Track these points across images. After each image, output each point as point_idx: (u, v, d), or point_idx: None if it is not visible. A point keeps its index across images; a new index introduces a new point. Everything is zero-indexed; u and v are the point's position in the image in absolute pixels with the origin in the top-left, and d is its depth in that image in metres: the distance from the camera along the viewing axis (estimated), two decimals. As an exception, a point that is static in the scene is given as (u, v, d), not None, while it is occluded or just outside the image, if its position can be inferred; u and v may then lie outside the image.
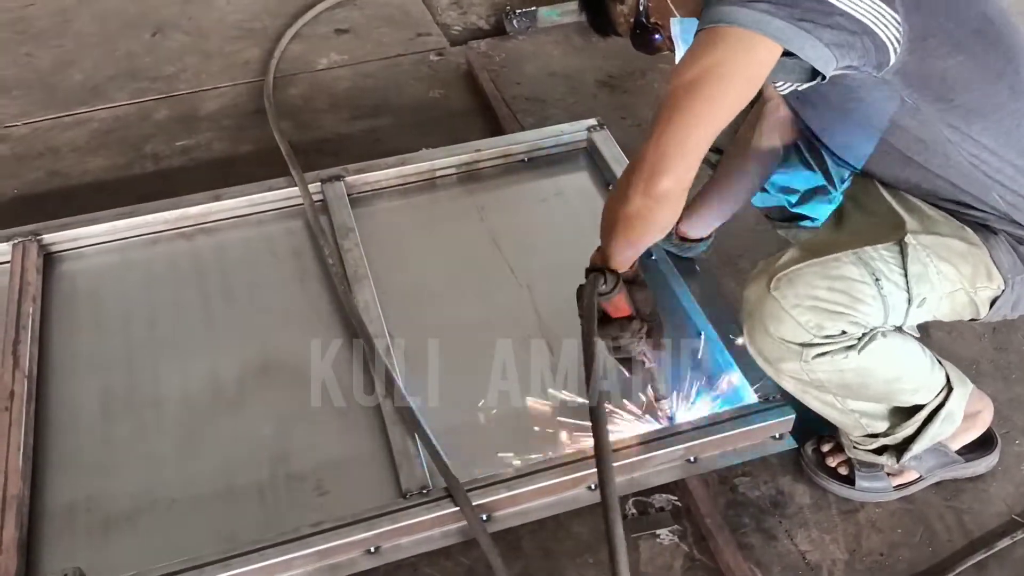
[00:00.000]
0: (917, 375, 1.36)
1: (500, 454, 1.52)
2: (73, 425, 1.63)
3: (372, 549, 1.42)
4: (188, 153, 2.34)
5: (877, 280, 1.26)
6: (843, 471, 1.53)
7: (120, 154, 2.33)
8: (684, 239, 1.79)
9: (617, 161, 2.05)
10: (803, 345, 1.28)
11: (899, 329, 1.34)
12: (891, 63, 1.20)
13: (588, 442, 1.49)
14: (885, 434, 1.42)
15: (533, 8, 2.76)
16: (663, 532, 1.47)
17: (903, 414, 1.40)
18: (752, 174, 1.65)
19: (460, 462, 1.50)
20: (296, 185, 2.02)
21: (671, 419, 1.56)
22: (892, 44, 1.18)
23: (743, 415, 1.54)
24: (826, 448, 1.56)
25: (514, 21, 2.74)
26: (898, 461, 1.44)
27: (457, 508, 1.41)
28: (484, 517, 1.45)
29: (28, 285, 1.82)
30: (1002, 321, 1.48)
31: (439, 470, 1.47)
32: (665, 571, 1.42)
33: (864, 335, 1.28)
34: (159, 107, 2.50)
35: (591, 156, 2.16)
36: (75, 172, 2.28)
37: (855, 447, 1.47)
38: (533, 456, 1.51)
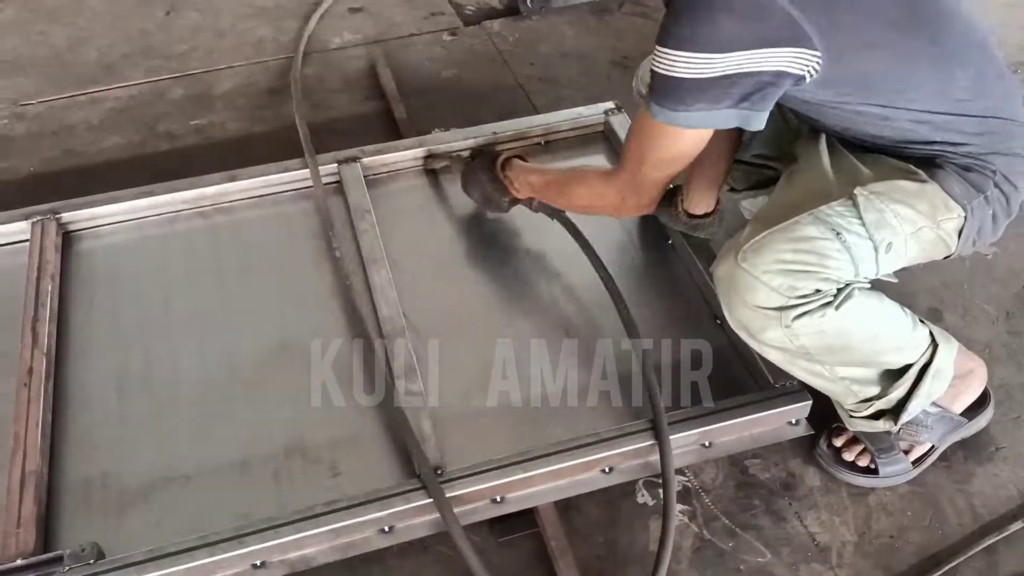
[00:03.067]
0: (899, 333, 1.39)
1: (512, 436, 1.54)
2: (90, 402, 1.65)
3: (386, 528, 1.44)
4: (203, 132, 2.34)
5: (838, 234, 1.31)
6: (862, 462, 1.54)
7: (135, 132, 2.34)
8: (691, 216, 1.79)
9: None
10: (780, 309, 1.31)
11: (874, 286, 1.37)
12: (807, 82, 1.26)
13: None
14: (878, 397, 1.43)
15: (548, -12, 2.75)
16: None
17: (893, 376, 1.42)
18: (726, 135, 1.67)
19: (474, 444, 1.52)
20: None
21: None
22: (810, 73, 1.24)
23: (759, 401, 1.55)
24: (839, 442, 1.56)
25: (528, 1, 2.72)
26: (896, 423, 1.44)
27: (464, 491, 1.43)
28: (498, 498, 1.47)
29: (47, 263, 1.84)
30: (982, 260, 1.55)
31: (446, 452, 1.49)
32: (675, 550, 1.43)
33: (839, 291, 1.31)
34: (173, 86, 2.51)
35: (608, 139, 2.16)
36: (90, 150, 2.28)
37: (852, 416, 1.48)
38: (548, 439, 1.52)
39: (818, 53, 1.22)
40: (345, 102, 2.41)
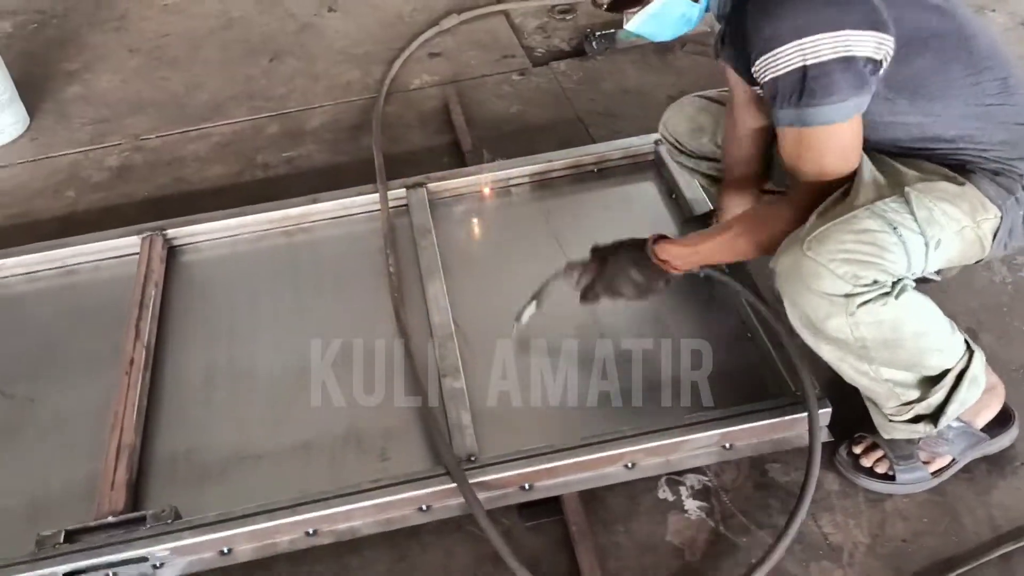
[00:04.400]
0: (942, 332, 1.45)
1: (542, 431, 1.67)
2: (181, 390, 1.88)
3: (423, 507, 1.59)
4: (292, 163, 2.60)
5: (895, 228, 1.37)
6: (880, 469, 1.59)
7: (235, 163, 2.62)
8: None
9: (681, 172, 2.16)
10: (846, 296, 1.36)
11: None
12: (879, 74, 1.35)
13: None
14: (919, 400, 1.47)
15: (612, 30, 2.92)
16: (692, 508, 1.57)
17: (932, 381, 1.47)
18: (754, 155, 1.81)
19: (507, 436, 1.66)
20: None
21: None
22: (885, 59, 1.34)
23: (781, 406, 1.63)
24: (859, 449, 1.62)
25: (593, 43, 2.90)
26: (936, 427, 1.48)
27: (495, 477, 1.57)
28: (527, 486, 1.60)
29: (152, 272, 2.10)
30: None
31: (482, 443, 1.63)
32: (690, 542, 1.52)
33: (894, 284, 1.37)
34: (271, 123, 2.79)
35: (657, 167, 2.29)
36: (196, 178, 2.57)
37: (891, 420, 1.52)
38: (575, 434, 1.65)
39: (892, 39, 1.33)
40: (419, 136, 2.63)
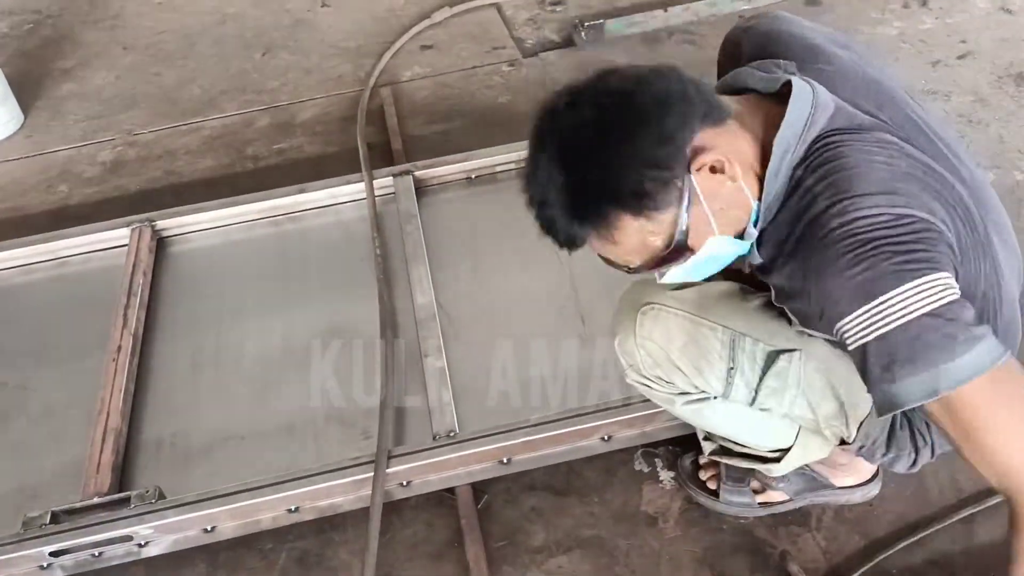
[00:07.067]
0: (752, 439, 1.39)
1: (521, 407, 1.70)
2: (168, 375, 1.92)
3: (404, 483, 1.62)
4: (283, 154, 2.63)
5: (731, 369, 1.26)
6: (711, 485, 1.54)
7: (225, 156, 2.65)
8: None
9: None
10: (634, 366, 1.33)
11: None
12: None
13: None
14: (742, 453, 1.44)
15: (601, 21, 2.93)
16: (665, 478, 1.59)
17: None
18: None
19: (486, 412, 1.68)
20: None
21: None
22: None
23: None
24: (702, 460, 1.57)
25: (583, 34, 2.92)
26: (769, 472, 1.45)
27: (474, 451, 1.59)
28: (505, 460, 1.62)
29: (140, 262, 2.13)
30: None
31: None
32: (663, 510, 1.55)
33: (694, 397, 1.32)
34: (262, 116, 2.82)
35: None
36: (187, 171, 2.61)
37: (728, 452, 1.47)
38: (552, 410, 1.67)
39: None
40: (409, 126, 2.65)
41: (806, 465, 1.46)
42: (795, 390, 1.26)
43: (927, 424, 1.29)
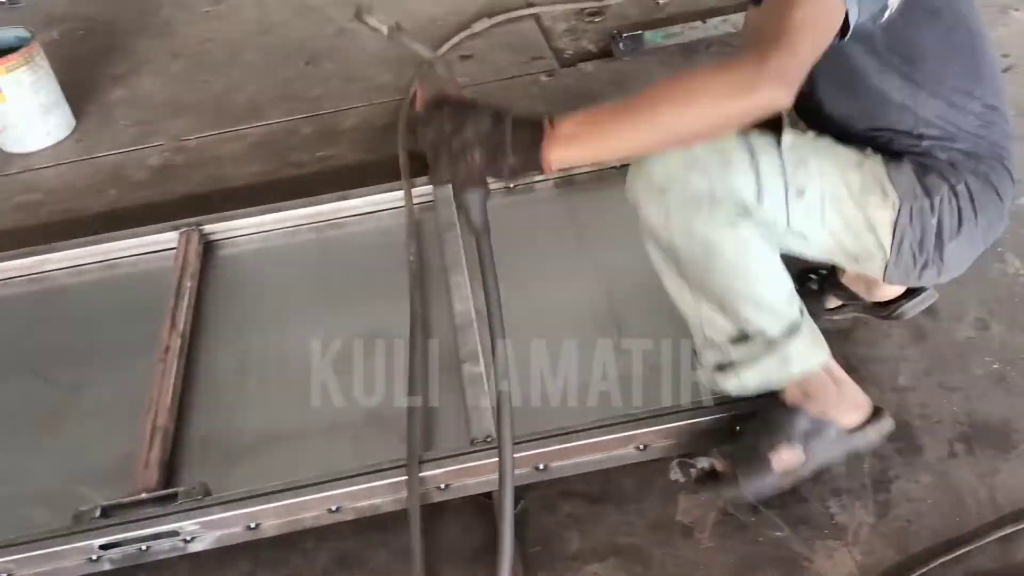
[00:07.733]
0: (765, 288, 1.36)
1: (556, 413, 1.72)
2: (214, 375, 1.97)
3: (442, 486, 1.65)
4: (325, 161, 2.69)
5: (752, 153, 1.28)
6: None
7: (270, 162, 2.72)
8: None
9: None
10: (661, 189, 1.29)
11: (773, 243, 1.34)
12: (884, 17, 1.25)
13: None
14: (720, 345, 1.43)
15: (639, 32, 2.96)
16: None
17: (743, 337, 1.42)
18: None
19: (523, 418, 1.70)
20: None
21: None
22: (893, 7, 1.25)
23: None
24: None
25: (620, 44, 2.94)
26: (739, 386, 1.46)
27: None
28: (541, 466, 1.65)
29: (188, 265, 2.19)
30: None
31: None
32: (699, 521, 1.57)
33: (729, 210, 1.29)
34: (305, 124, 2.88)
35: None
36: (233, 177, 2.67)
37: (699, 366, 1.52)
38: (589, 418, 1.69)
39: None
40: (448, 135, 2.70)
41: (804, 410, 1.46)
42: (815, 157, 1.30)
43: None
